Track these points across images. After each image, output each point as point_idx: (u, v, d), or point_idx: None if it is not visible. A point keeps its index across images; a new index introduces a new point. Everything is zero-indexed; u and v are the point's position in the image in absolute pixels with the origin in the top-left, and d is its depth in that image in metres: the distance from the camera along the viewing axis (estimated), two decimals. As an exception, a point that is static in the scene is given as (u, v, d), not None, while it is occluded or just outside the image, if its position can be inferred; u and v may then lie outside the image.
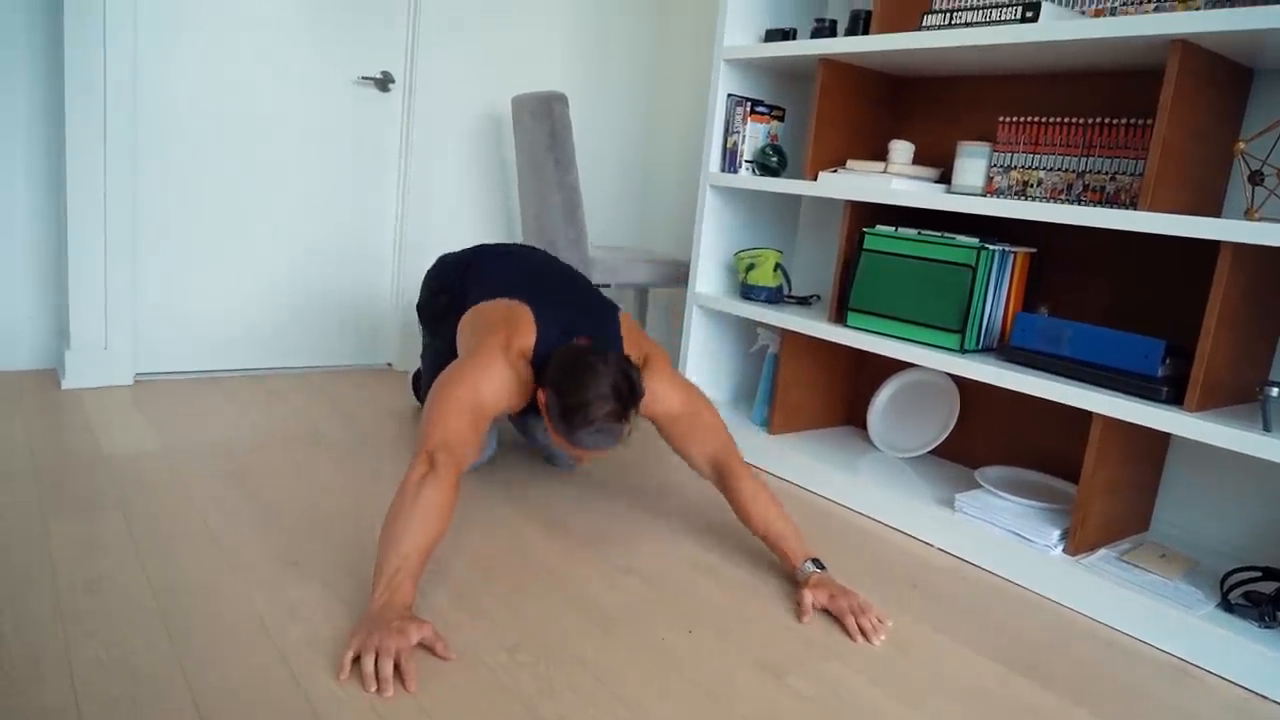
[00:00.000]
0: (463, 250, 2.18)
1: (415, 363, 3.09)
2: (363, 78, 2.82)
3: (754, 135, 2.52)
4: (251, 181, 2.70)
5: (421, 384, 2.32)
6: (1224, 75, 1.73)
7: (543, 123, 2.60)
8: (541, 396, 1.66)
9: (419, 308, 2.24)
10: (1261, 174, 1.57)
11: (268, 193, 2.73)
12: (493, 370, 1.66)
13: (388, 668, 1.22)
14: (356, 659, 1.24)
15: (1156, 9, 1.86)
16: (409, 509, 1.38)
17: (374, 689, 1.20)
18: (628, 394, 1.58)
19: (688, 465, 1.87)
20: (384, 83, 2.86)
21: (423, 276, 2.44)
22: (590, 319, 1.83)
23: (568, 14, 3.18)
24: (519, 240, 3.27)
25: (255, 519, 1.72)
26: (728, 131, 2.53)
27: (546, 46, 3.16)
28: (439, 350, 2.13)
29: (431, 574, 1.57)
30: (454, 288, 2.07)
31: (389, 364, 3.10)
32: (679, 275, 2.90)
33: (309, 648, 1.30)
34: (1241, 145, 1.59)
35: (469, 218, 3.13)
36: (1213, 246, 1.88)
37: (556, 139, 2.58)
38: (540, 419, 2.09)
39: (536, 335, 1.75)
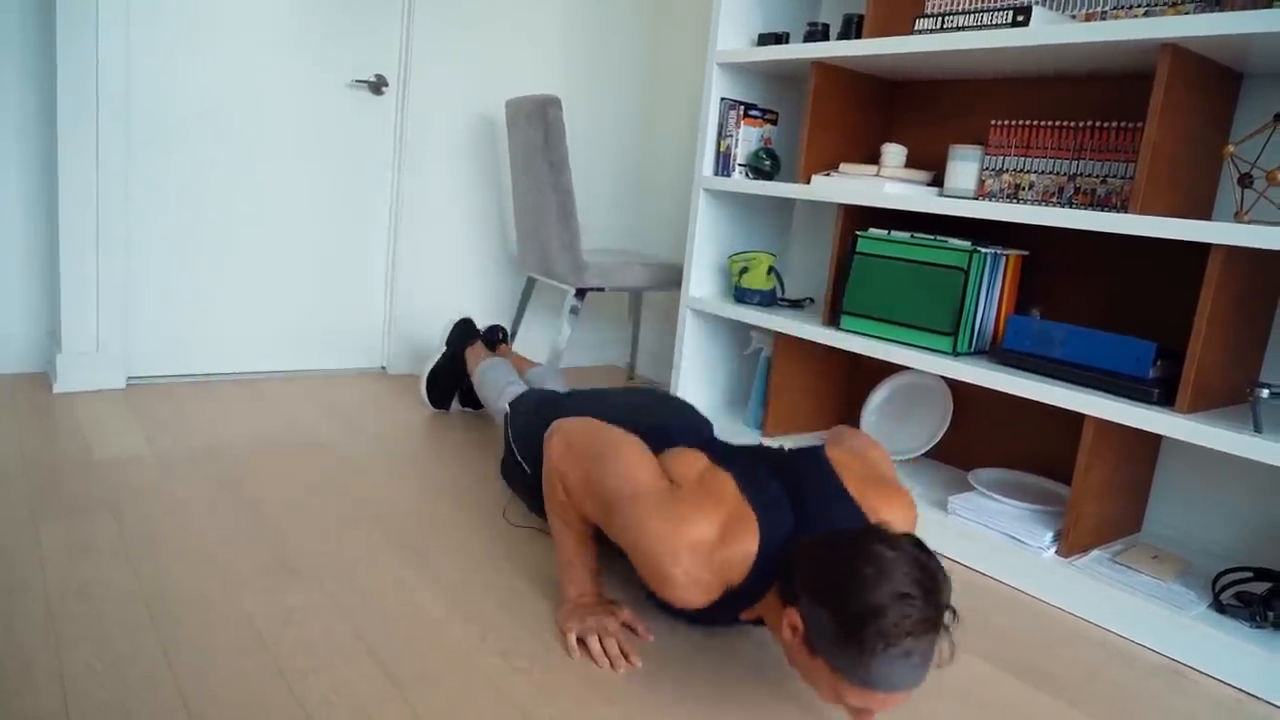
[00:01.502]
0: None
1: (411, 366, 3.08)
2: (356, 81, 2.82)
3: (747, 139, 2.53)
4: (244, 185, 2.69)
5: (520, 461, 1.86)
6: (1213, 79, 1.74)
7: (537, 126, 2.61)
8: (793, 624, 1.13)
9: (515, 448, 1.87)
10: (1251, 177, 1.58)
11: (261, 196, 2.73)
12: (674, 571, 1.20)
13: (614, 646, 1.36)
14: (581, 643, 1.38)
15: (1146, 13, 1.87)
16: (559, 512, 1.45)
17: (607, 665, 1.34)
18: (935, 581, 1.06)
19: None
20: (377, 86, 2.85)
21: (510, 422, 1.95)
22: (809, 487, 1.29)
23: (562, 17, 3.18)
24: (514, 250, 3.27)
25: (248, 524, 1.72)
26: (721, 135, 2.54)
27: (541, 50, 3.17)
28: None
29: (423, 578, 1.57)
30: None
31: (383, 367, 3.10)
32: (673, 279, 2.90)
33: (303, 653, 1.29)
34: (1231, 148, 1.60)
35: (463, 221, 3.13)
36: (1203, 249, 1.88)
37: (550, 142, 2.58)
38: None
39: (760, 542, 1.21)
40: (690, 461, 1.34)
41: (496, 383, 2.22)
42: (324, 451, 2.18)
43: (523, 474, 1.83)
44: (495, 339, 2.65)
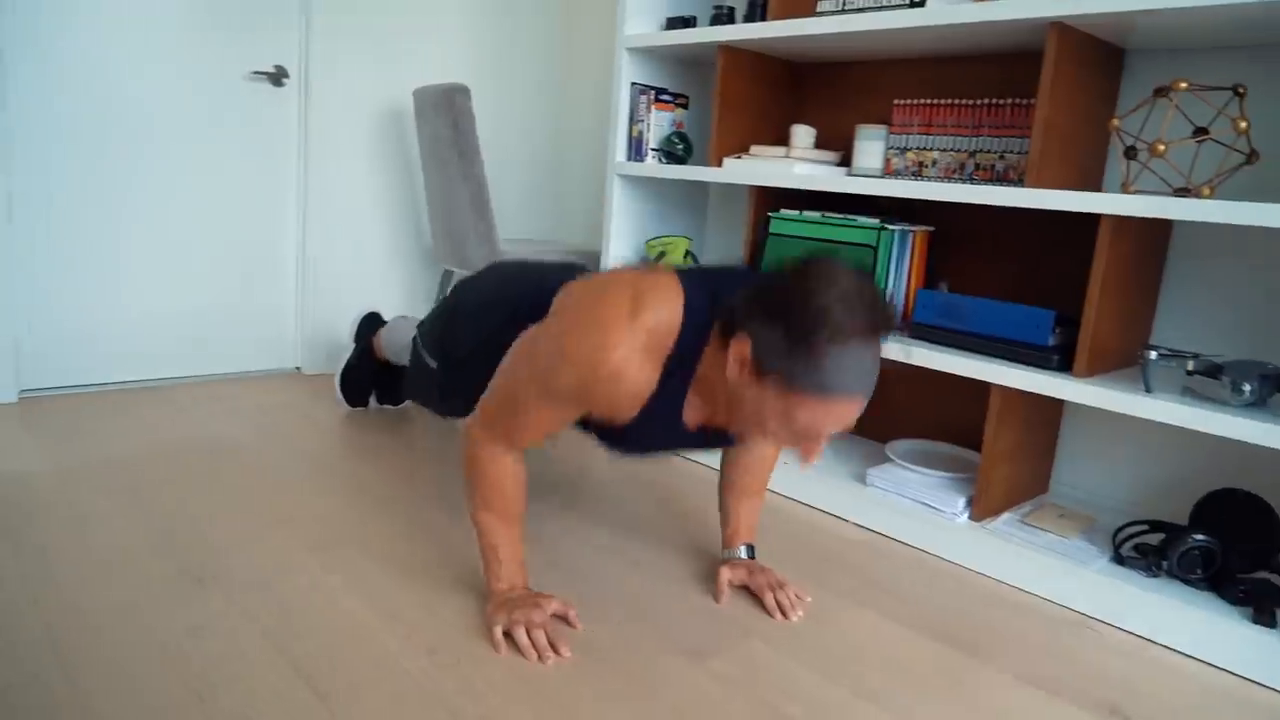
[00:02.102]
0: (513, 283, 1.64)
1: (326, 366, 3.01)
2: (255, 73, 2.72)
3: (659, 123, 2.53)
4: (140, 184, 2.57)
5: (421, 396, 1.83)
6: (1099, 56, 1.81)
7: (445, 115, 2.56)
8: (740, 353, 1.14)
9: (424, 340, 1.78)
10: (1135, 149, 1.65)
11: (158, 195, 2.61)
12: (611, 357, 1.17)
13: (542, 638, 1.34)
14: (507, 636, 1.35)
15: (1035, -8, 1.93)
16: (485, 493, 1.38)
17: (535, 658, 1.32)
18: (876, 294, 1.10)
19: None
20: (278, 77, 2.76)
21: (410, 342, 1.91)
22: (736, 276, 1.30)
23: (469, 3, 3.13)
24: (428, 242, 3.21)
25: (155, 538, 1.65)
26: (633, 120, 2.53)
27: (448, 37, 3.10)
28: (459, 373, 1.66)
29: (345, 581, 1.54)
30: (474, 305, 1.64)
31: (297, 368, 3.01)
32: (591, 266, 2.89)
33: (213, 667, 1.25)
34: (1116, 122, 1.67)
35: (375, 214, 3.06)
36: (1094, 219, 1.97)
37: (460, 131, 2.54)
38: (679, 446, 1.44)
39: (685, 303, 1.21)
40: (570, 286, 1.32)
41: (403, 327, 2.21)
42: (237, 457, 2.11)
43: (429, 372, 1.73)
44: None
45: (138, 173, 2.57)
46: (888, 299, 1.10)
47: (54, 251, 2.46)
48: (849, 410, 1.11)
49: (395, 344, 2.27)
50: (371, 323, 2.55)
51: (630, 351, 1.19)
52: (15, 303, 2.41)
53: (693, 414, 1.32)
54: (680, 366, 1.23)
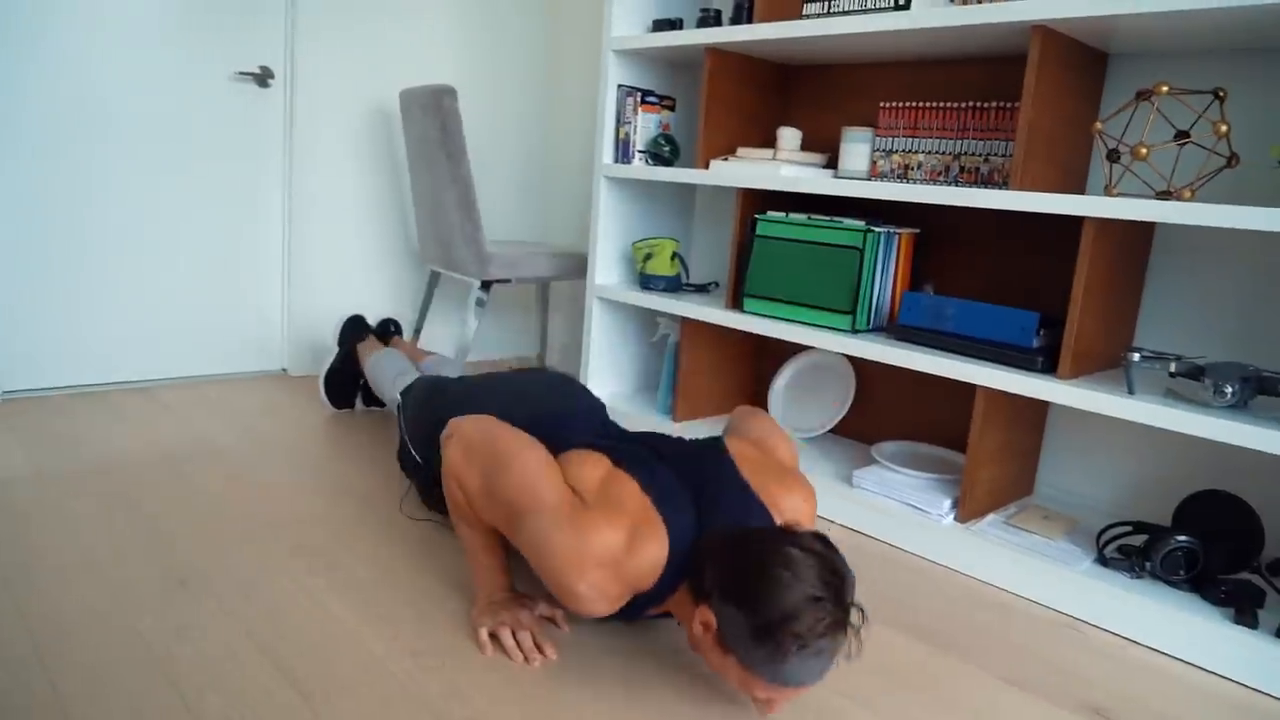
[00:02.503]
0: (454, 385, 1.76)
1: (312, 367, 2.99)
2: (240, 73, 2.71)
3: (646, 125, 2.53)
4: (126, 185, 2.56)
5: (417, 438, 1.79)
6: (1082, 59, 1.82)
7: (432, 116, 2.55)
8: (706, 622, 1.15)
9: (408, 438, 1.81)
10: (1118, 152, 1.66)
11: (145, 195, 2.60)
12: (585, 580, 1.19)
13: (528, 640, 1.35)
14: (493, 638, 1.36)
15: (1019, -4, 1.94)
16: (462, 515, 1.41)
17: (521, 660, 1.32)
18: (842, 585, 1.11)
19: None
20: (263, 78, 2.75)
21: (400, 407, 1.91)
22: (711, 485, 1.31)
23: (456, 4, 3.12)
24: (415, 244, 3.21)
25: (140, 539, 1.64)
26: (619, 122, 2.54)
27: (435, 38, 3.10)
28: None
29: (330, 583, 1.53)
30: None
31: (283, 369, 3.00)
32: (578, 268, 2.89)
33: (197, 669, 1.25)
34: (1099, 125, 1.68)
35: (361, 215, 3.05)
36: (1078, 221, 1.98)
37: (447, 132, 2.53)
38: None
39: (669, 546, 1.22)
40: (591, 466, 1.32)
41: (388, 373, 2.19)
42: (222, 459, 2.10)
43: (415, 464, 1.79)
44: (388, 332, 2.62)
45: (121, 173, 2.55)
46: (850, 582, 1.12)
47: (37, 252, 2.44)
48: (804, 690, 1.15)
49: (380, 387, 2.23)
50: (355, 326, 2.54)
51: (605, 590, 1.21)
52: (-3, 304, 2.39)
53: (657, 610, 1.33)
54: (647, 601, 1.27)
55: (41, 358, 2.50)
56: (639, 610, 1.30)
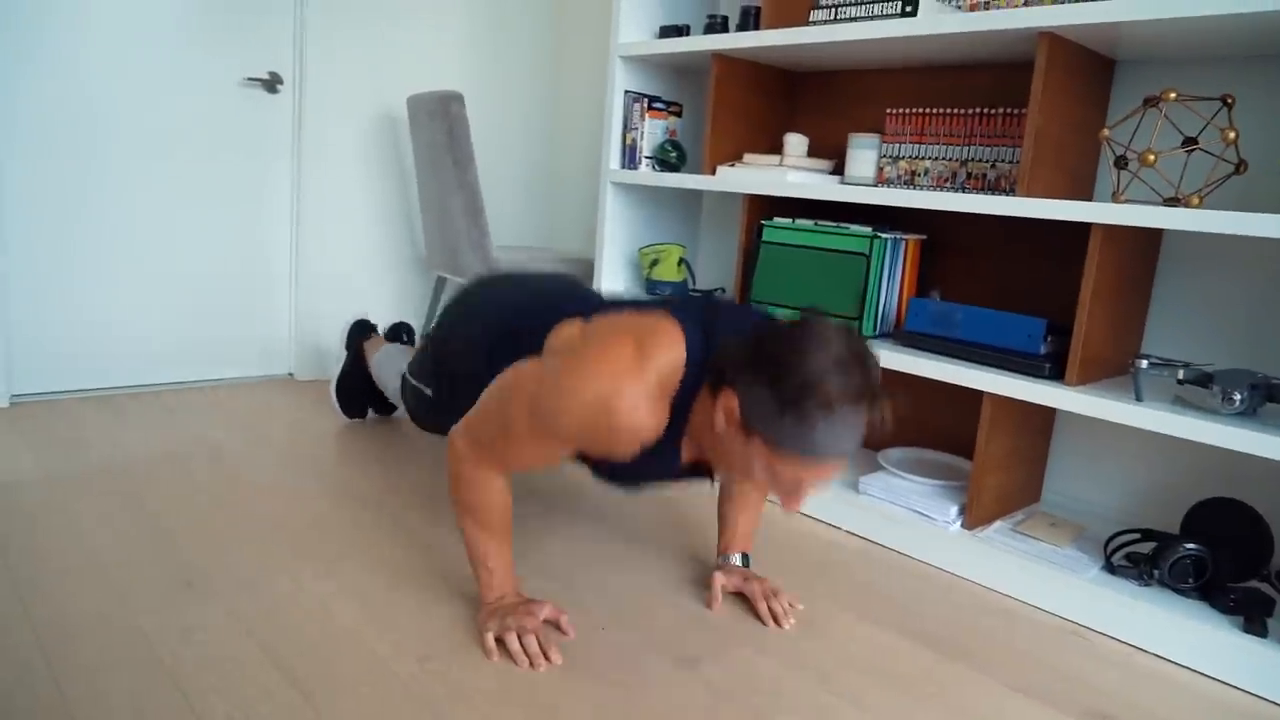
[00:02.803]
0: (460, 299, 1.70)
1: (319, 372, 3.00)
2: (249, 79, 2.72)
3: (652, 131, 2.54)
4: (135, 190, 2.57)
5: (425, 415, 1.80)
6: (1089, 66, 1.82)
7: (440, 122, 2.56)
8: (729, 410, 1.14)
9: (419, 369, 1.77)
10: (1125, 159, 1.66)
11: (153, 201, 2.61)
12: (620, 406, 1.17)
13: (533, 644, 1.33)
14: (499, 643, 1.35)
15: (1026, 3, 1.94)
16: (473, 508, 1.38)
17: (526, 665, 1.32)
18: (868, 358, 1.11)
19: None
20: (272, 84, 2.76)
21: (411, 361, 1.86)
22: (721, 307, 1.34)
23: (463, 10, 3.14)
24: (422, 249, 3.21)
25: (146, 542, 1.64)
26: (626, 128, 2.54)
27: (442, 44, 3.11)
28: (456, 397, 1.61)
29: (336, 588, 1.53)
30: (468, 335, 1.60)
31: (290, 374, 3.01)
32: (585, 273, 2.89)
33: (203, 670, 1.25)
34: (1106, 132, 1.68)
35: (368, 220, 3.06)
36: (1086, 228, 1.98)
37: (454, 138, 2.54)
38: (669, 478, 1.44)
39: (686, 345, 1.22)
40: (568, 328, 1.33)
41: (392, 365, 2.19)
42: (228, 463, 2.11)
43: (425, 399, 1.74)
44: (399, 337, 2.60)
45: (130, 178, 2.57)
46: (876, 363, 1.11)
47: (46, 256, 2.46)
48: (833, 469, 1.13)
49: (383, 379, 2.25)
50: (362, 329, 2.54)
51: (638, 400, 1.18)
52: (7, 307, 2.40)
53: (687, 452, 1.33)
54: (683, 409, 1.24)
55: (49, 362, 2.51)
56: (674, 440, 1.26)
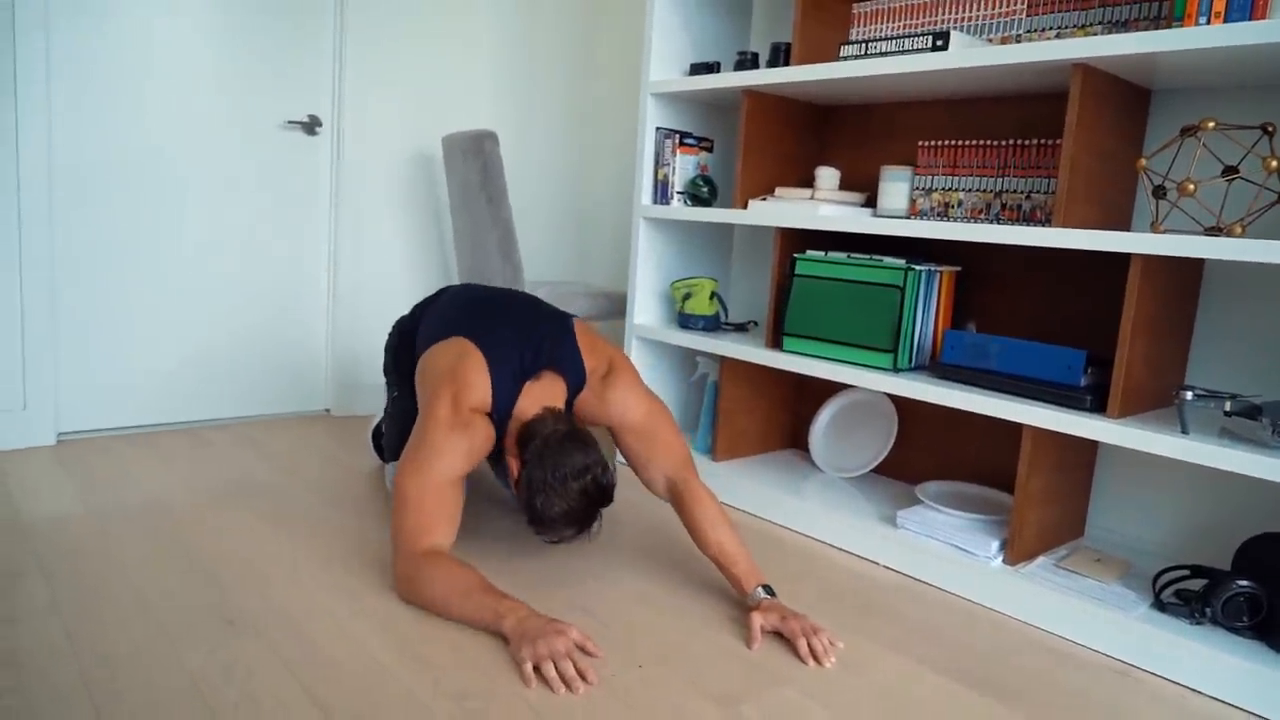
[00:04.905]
0: (414, 305, 2.12)
1: (355, 408, 3.03)
2: (289, 122, 2.79)
3: (684, 167, 2.56)
4: (178, 232, 2.64)
5: (385, 442, 2.16)
6: (1124, 96, 1.81)
7: (474, 161, 2.61)
8: (514, 467, 1.67)
9: (384, 368, 2.16)
10: (1164, 189, 1.64)
11: (195, 242, 2.68)
12: (447, 446, 1.62)
13: (569, 669, 1.37)
14: (535, 670, 1.38)
15: (1058, 35, 1.94)
16: (440, 594, 1.55)
17: (564, 690, 1.34)
18: (598, 499, 1.60)
19: (642, 482, 1.83)
20: (311, 126, 2.83)
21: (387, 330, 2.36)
22: (543, 345, 1.79)
23: (496, 52, 3.20)
24: (459, 280, 3.25)
25: (188, 578, 1.66)
26: (658, 164, 2.57)
27: (476, 85, 3.17)
28: (404, 409, 2.03)
29: (373, 626, 1.53)
30: (411, 336, 2.02)
31: (326, 410, 3.04)
32: (617, 307, 2.91)
33: (244, 708, 1.25)
34: (1143, 162, 1.66)
35: (403, 259, 3.10)
36: (1124, 258, 1.95)
37: (489, 176, 2.58)
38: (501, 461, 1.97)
39: (491, 386, 1.70)
40: (445, 349, 1.76)
41: None
42: (266, 499, 2.13)
43: (390, 410, 2.13)
44: None
45: (174, 219, 2.63)
46: (608, 498, 1.63)
47: (90, 298, 2.52)
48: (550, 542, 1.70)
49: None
50: None
51: (451, 411, 1.67)
52: (55, 347, 2.47)
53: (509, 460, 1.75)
54: (499, 425, 1.73)
55: (95, 400, 2.57)
56: (500, 444, 1.74)
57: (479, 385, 1.69)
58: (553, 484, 1.57)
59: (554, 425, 1.65)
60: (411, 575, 1.58)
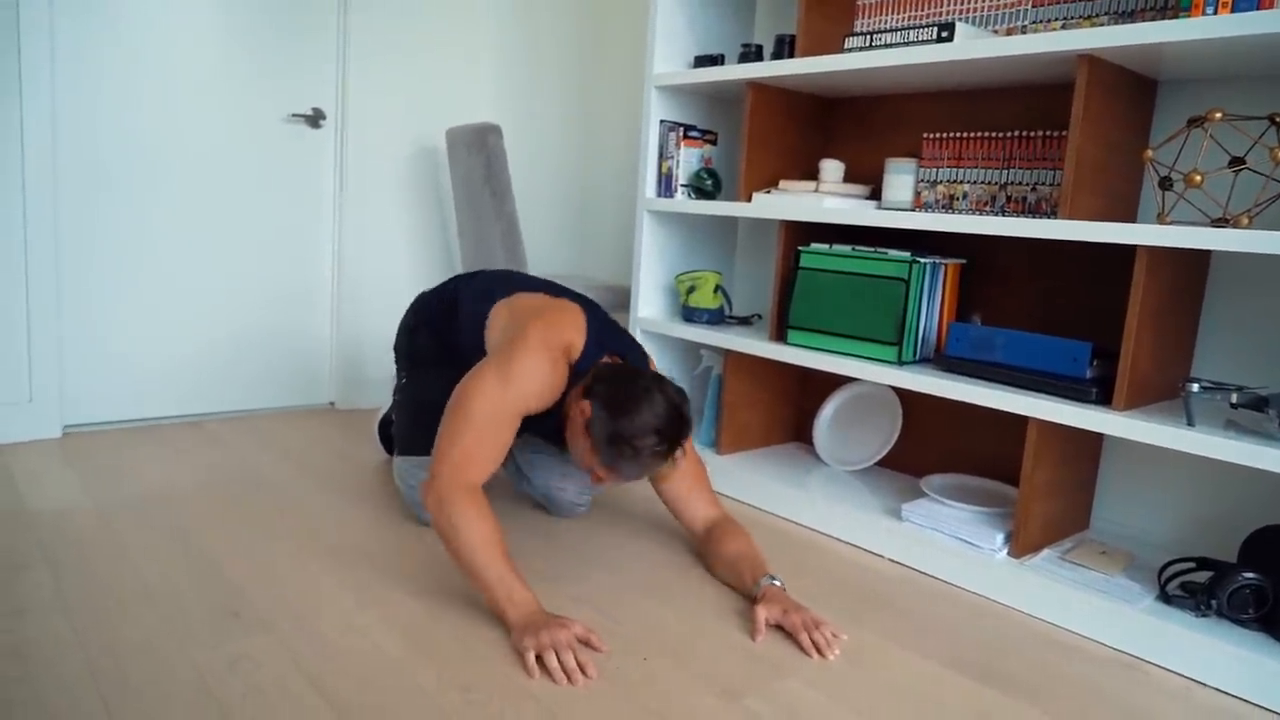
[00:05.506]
0: (442, 283, 2.08)
1: (360, 401, 3.04)
2: (293, 115, 2.79)
3: (688, 159, 2.55)
4: (181, 224, 2.64)
5: (395, 431, 2.06)
6: (1130, 87, 1.80)
7: (478, 154, 2.60)
8: (583, 409, 1.58)
9: (395, 349, 2.13)
10: (1170, 180, 1.63)
11: (199, 234, 2.68)
12: (530, 364, 1.59)
13: (571, 660, 1.37)
14: (538, 660, 1.37)
15: (1063, 26, 1.93)
16: (467, 535, 1.48)
17: (565, 681, 1.34)
18: (679, 430, 1.57)
19: (663, 502, 1.84)
20: (315, 119, 2.83)
21: (399, 318, 2.36)
22: (621, 336, 1.81)
23: (499, 45, 3.19)
24: (459, 272, 3.25)
25: (193, 570, 1.67)
26: (662, 157, 2.56)
27: (479, 78, 3.17)
28: (413, 396, 2.01)
29: (379, 618, 1.54)
30: (437, 319, 1.98)
31: (331, 403, 3.05)
32: (621, 300, 2.90)
33: (251, 700, 1.26)
34: (1150, 153, 1.65)
35: (407, 251, 3.10)
36: (1130, 250, 1.95)
37: (492, 169, 2.58)
38: (543, 439, 1.92)
39: (586, 337, 1.70)
40: (531, 297, 1.81)
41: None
42: (272, 491, 2.13)
43: (397, 395, 2.09)
44: None
45: (178, 212, 2.64)
46: (686, 426, 1.58)
47: (97, 289, 2.53)
48: (624, 481, 1.62)
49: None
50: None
51: (553, 359, 1.65)
52: (60, 340, 2.47)
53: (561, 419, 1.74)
54: (573, 378, 1.69)
55: (99, 393, 2.57)
56: (561, 406, 1.70)
57: (572, 327, 1.69)
58: (639, 395, 1.53)
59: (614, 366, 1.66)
60: (450, 504, 1.50)
